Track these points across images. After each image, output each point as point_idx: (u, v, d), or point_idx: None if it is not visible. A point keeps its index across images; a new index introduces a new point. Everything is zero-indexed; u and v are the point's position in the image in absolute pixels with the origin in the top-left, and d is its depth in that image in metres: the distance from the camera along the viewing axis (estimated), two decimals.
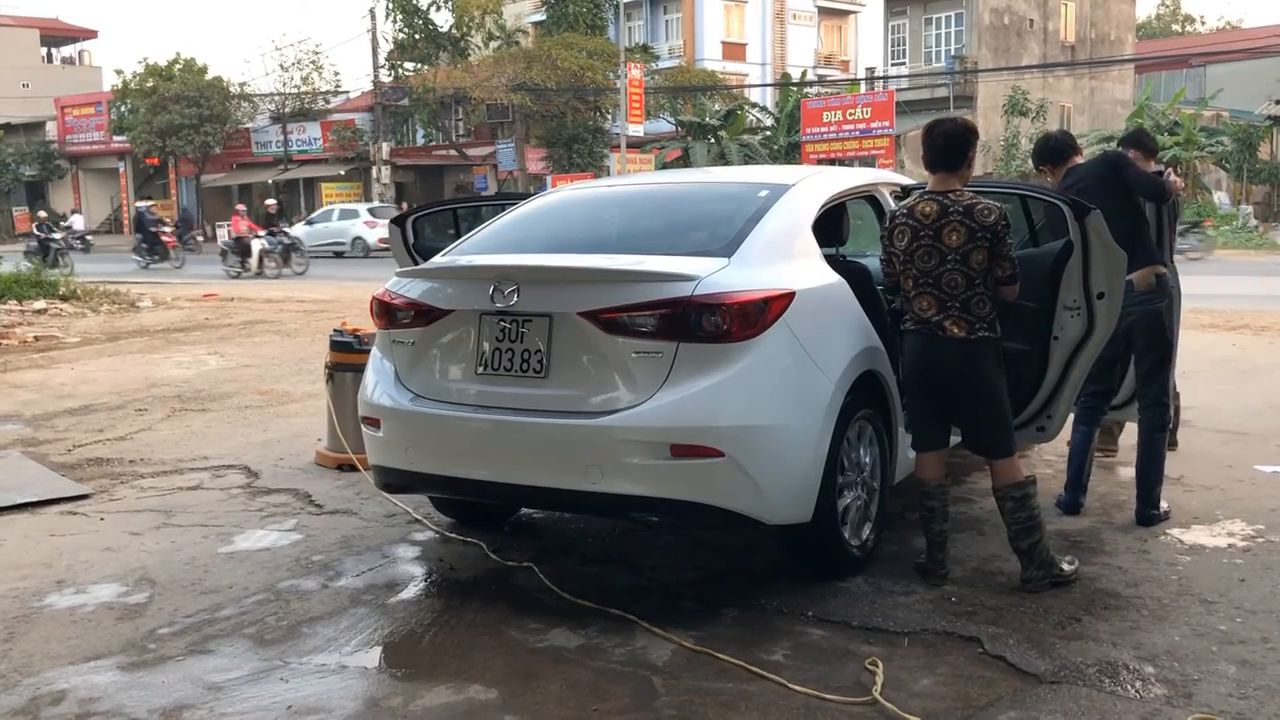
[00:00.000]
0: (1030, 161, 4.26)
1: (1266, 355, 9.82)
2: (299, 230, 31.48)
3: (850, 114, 32.46)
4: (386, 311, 4.43)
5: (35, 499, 5.66)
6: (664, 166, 34.12)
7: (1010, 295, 4.21)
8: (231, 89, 45.98)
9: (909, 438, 4.83)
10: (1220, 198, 32.46)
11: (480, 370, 4.12)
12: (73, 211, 41.27)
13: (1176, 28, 70.43)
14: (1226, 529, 4.84)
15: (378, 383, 4.43)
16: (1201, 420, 6.92)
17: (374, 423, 4.39)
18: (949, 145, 4.16)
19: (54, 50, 62.62)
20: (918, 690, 3.35)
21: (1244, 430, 6.76)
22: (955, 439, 4.42)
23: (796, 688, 3.35)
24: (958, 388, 4.17)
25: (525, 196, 5.58)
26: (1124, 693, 3.30)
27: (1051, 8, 39.31)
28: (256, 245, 24.85)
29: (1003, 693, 3.33)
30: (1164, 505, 4.97)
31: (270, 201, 29.84)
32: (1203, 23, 73.03)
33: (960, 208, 4.07)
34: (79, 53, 64.02)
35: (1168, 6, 73.69)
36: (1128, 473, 5.84)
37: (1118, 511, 5.14)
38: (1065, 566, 4.21)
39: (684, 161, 35.02)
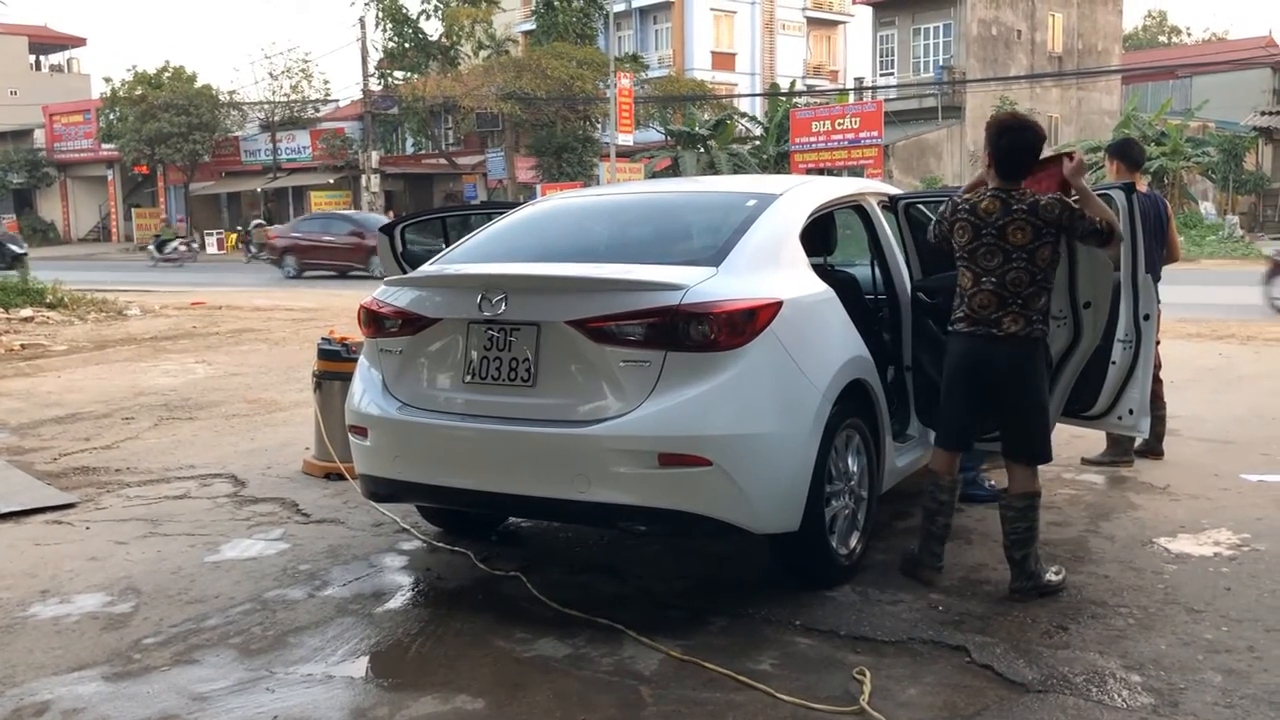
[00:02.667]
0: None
1: (1252, 364, 9.87)
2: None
3: (839, 124, 32.58)
4: (374, 320, 4.42)
5: (20, 508, 5.62)
6: (653, 176, 34.17)
7: (1115, 251, 4.31)
8: (221, 97, 45.96)
9: (897, 447, 4.86)
10: (1206, 208, 32.63)
11: (468, 379, 4.12)
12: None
13: (1163, 39, 70.89)
14: (1212, 538, 4.86)
15: (365, 391, 4.42)
16: (1187, 429, 6.95)
17: (361, 432, 4.38)
18: (1020, 155, 4.15)
19: (42, 58, 62.44)
20: (905, 699, 3.35)
21: (1230, 439, 6.78)
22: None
23: (784, 697, 3.35)
24: (1007, 387, 4.16)
25: (514, 205, 5.58)
26: (1111, 701, 3.30)
27: (1039, 19, 39.52)
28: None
29: (990, 701, 3.33)
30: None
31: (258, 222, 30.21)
32: (1189, 34, 73.59)
33: (1025, 205, 4.07)
34: (67, 60, 63.84)
35: (1154, 18, 74.26)
36: (1117, 483, 5.86)
37: (1104, 521, 5.16)
38: (1052, 577, 4.21)
39: (673, 171, 35.10)
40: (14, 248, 28.05)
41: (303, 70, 45.71)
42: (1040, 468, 4.25)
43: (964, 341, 4.21)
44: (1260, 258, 25.10)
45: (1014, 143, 4.15)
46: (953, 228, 4.24)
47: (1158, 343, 5.00)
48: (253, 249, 35.67)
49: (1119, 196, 4.53)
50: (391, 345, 4.35)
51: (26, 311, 15.58)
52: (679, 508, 3.82)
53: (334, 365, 6.17)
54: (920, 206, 5.22)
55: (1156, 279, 5.22)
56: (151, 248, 34.33)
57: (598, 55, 38.14)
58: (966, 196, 4.26)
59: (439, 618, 4.10)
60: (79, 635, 3.99)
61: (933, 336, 4.86)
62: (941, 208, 4.38)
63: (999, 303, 4.11)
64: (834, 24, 53.39)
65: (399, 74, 42.19)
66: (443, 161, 44.24)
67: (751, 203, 4.54)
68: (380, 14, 40.00)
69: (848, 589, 4.25)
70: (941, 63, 37.94)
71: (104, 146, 48.54)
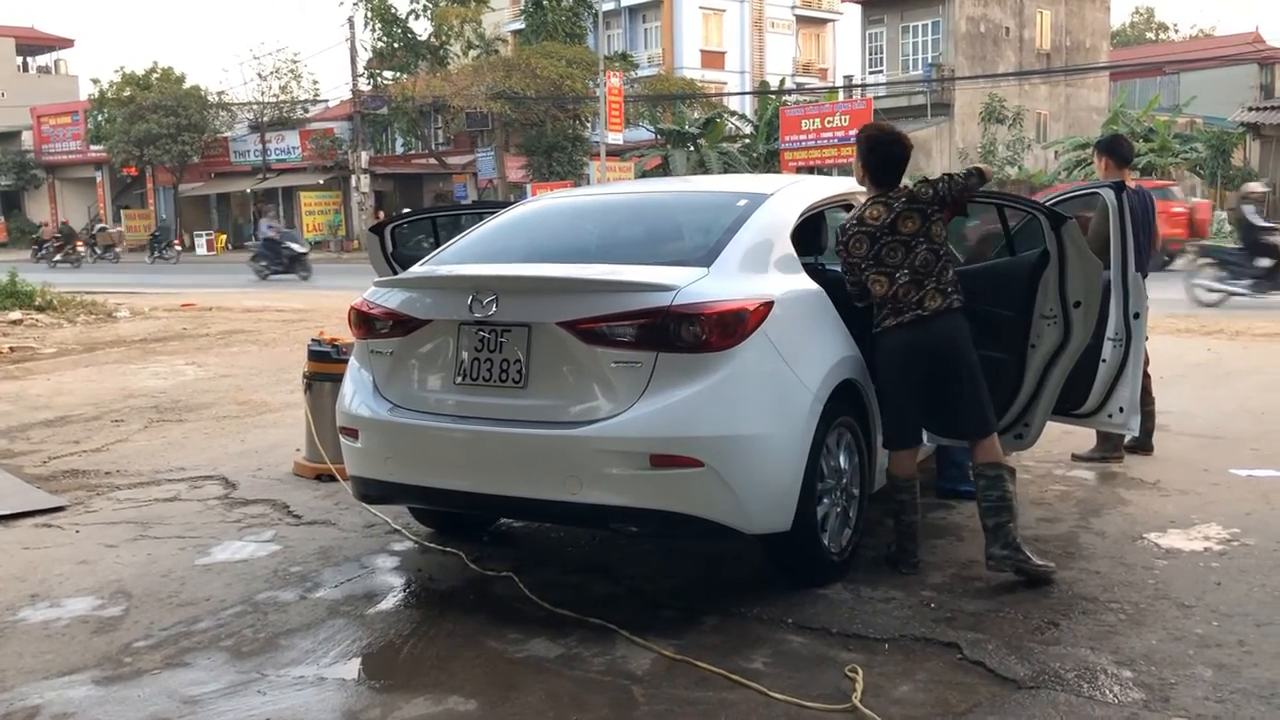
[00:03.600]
0: (1006, 169, 4.33)
1: (1241, 360, 9.90)
2: None
3: (829, 122, 32.60)
4: (364, 321, 4.42)
5: (9, 511, 5.60)
6: (644, 174, 34.19)
7: (970, 196, 4.43)
8: (209, 98, 45.82)
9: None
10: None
11: (459, 380, 4.11)
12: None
13: (1150, 35, 71.08)
14: (1202, 533, 4.87)
15: (356, 393, 4.41)
16: (1177, 424, 6.97)
17: (352, 433, 4.37)
18: (894, 166, 4.43)
19: (30, 59, 62.20)
20: (897, 697, 3.36)
21: (1219, 434, 6.81)
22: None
23: (776, 695, 3.35)
24: (942, 366, 4.29)
25: (504, 205, 5.58)
26: (1102, 697, 3.31)
27: (1027, 16, 39.61)
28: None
29: (982, 698, 3.34)
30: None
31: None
32: (1176, 31, 73.78)
33: (903, 198, 4.33)
34: (55, 62, 63.61)
35: (1142, 14, 74.41)
36: (1107, 478, 5.88)
37: (1095, 517, 5.17)
38: (1037, 561, 4.25)
39: (663, 169, 35.11)
40: (294, 246, 26.05)
41: (292, 70, 45.62)
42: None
43: (894, 335, 4.35)
44: None
45: (886, 155, 4.44)
46: (849, 245, 4.40)
47: (1146, 338, 5.01)
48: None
49: (1108, 195, 4.55)
50: (382, 346, 4.34)
51: (15, 314, 15.51)
52: (671, 509, 3.82)
53: (324, 366, 6.16)
54: None
55: (1144, 275, 5.23)
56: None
57: (587, 54, 38.12)
58: (848, 216, 4.50)
59: (431, 619, 4.10)
60: (69, 639, 3.97)
61: None
62: (835, 243, 4.54)
63: (917, 287, 4.28)
64: (823, 22, 53.44)
65: (388, 74, 42.15)
66: (433, 161, 44.19)
67: (742, 203, 4.54)
68: (369, 14, 39.93)
69: (839, 587, 4.26)
70: (930, 60, 38.01)
71: (92, 148, 48.38)
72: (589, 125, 39.28)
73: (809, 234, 4.73)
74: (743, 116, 40.01)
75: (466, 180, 42.99)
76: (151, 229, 41.55)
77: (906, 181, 4.46)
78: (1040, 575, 4.22)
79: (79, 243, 35.41)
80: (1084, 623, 3.88)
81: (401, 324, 4.27)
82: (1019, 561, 4.20)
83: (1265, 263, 14.40)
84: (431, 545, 4.91)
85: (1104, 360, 4.72)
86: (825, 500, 4.25)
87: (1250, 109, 33.84)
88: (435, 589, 4.44)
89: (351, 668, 3.72)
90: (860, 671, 3.47)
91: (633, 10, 47.71)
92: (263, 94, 45.62)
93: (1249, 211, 15.00)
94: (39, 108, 52.03)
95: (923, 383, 4.34)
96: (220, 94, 46.48)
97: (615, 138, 34.18)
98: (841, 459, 4.36)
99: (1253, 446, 6.47)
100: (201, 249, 43.59)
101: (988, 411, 4.36)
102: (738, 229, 4.29)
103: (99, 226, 38.91)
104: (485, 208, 5.78)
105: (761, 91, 41.25)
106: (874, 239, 4.32)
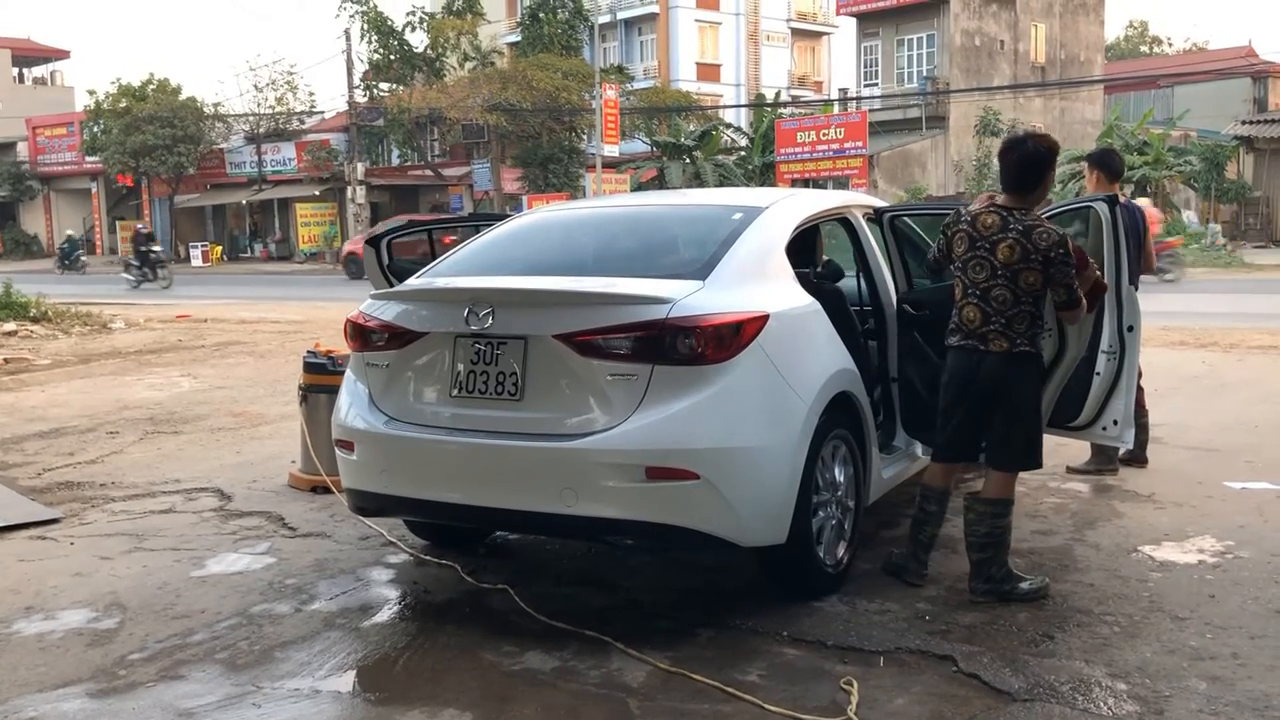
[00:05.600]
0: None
1: (1236, 372, 9.92)
2: None
3: (824, 134, 32.67)
4: (360, 334, 4.42)
5: (4, 524, 5.59)
6: (639, 187, 34.21)
7: (1071, 320, 4.31)
8: (205, 109, 45.82)
9: (883, 458, 4.88)
10: (1189, 216, 32.82)
11: (455, 393, 4.12)
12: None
13: (1145, 49, 71.37)
14: (1197, 545, 4.89)
15: (351, 405, 4.41)
16: (1172, 437, 6.99)
17: (348, 445, 4.37)
18: (1023, 169, 4.21)
19: (26, 70, 62.23)
20: (892, 709, 3.36)
21: (1214, 446, 6.83)
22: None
23: (772, 708, 3.36)
24: (995, 401, 4.22)
25: (501, 217, 5.59)
26: (1097, 710, 3.32)
27: (1022, 29, 39.75)
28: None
29: (976, 711, 3.34)
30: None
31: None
32: (1170, 44, 74.08)
33: (1020, 226, 4.12)
34: (51, 73, 63.62)
35: (1136, 28, 74.74)
36: (1102, 491, 5.89)
37: (1089, 529, 5.18)
38: (1023, 586, 4.23)
39: (659, 182, 35.13)
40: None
41: (288, 82, 45.66)
42: (1025, 476, 4.28)
43: (954, 356, 4.29)
44: (1242, 265, 25.31)
45: (1020, 157, 4.20)
46: (953, 237, 4.29)
47: (1140, 351, 5.02)
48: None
49: (1102, 209, 4.56)
50: (378, 359, 4.35)
51: (10, 325, 15.48)
52: (666, 521, 3.82)
53: (320, 378, 6.16)
54: (905, 219, 5.24)
55: (1136, 288, 5.25)
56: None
57: (583, 67, 38.22)
58: (971, 209, 4.30)
59: (426, 631, 4.10)
60: (63, 652, 3.97)
61: (918, 348, 4.88)
62: (947, 219, 4.42)
63: (984, 318, 4.17)
64: (818, 35, 53.62)
65: (384, 86, 42.19)
66: (428, 173, 44.22)
67: (738, 216, 4.55)
68: (365, 26, 39.99)
69: (835, 599, 4.26)
70: (925, 73, 38.12)
71: (88, 159, 48.34)
72: (585, 137, 39.35)
73: (804, 247, 4.75)
74: (738, 129, 40.09)
75: (462, 192, 43.02)
76: (63, 240, 38.97)
77: (1034, 211, 4.21)
78: (1030, 599, 4.20)
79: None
80: (1079, 635, 3.89)
81: (397, 336, 4.28)
82: (1002, 594, 4.20)
83: None
84: (427, 558, 4.91)
85: (1098, 373, 4.74)
86: (820, 513, 4.25)
87: (1244, 122, 34.00)
88: (430, 601, 4.44)
89: (346, 680, 3.71)
90: (855, 684, 3.47)
91: (628, 23, 47.85)
92: (259, 105, 45.70)
93: None
94: (34, 119, 52.01)
95: (978, 406, 4.26)
96: (216, 105, 46.51)
97: (611, 150, 34.24)
98: (837, 471, 4.37)
99: (1247, 459, 6.49)
100: (197, 260, 43.54)
101: (1024, 452, 4.26)
102: (733, 242, 4.30)
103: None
104: (481, 220, 5.79)
105: (757, 104, 41.35)
106: (973, 244, 4.19)
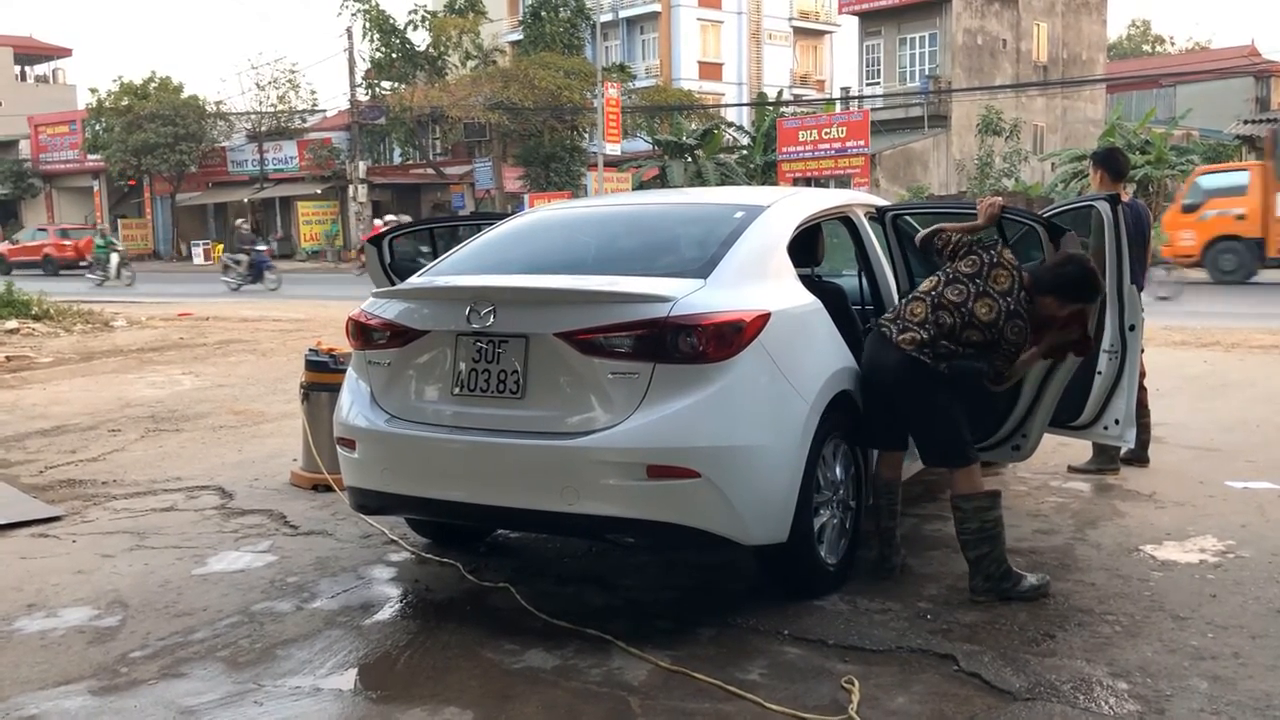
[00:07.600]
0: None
1: (1237, 371, 9.92)
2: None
3: (826, 133, 32.70)
4: (362, 332, 4.42)
5: (6, 521, 5.59)
6: (641, 185, 34.24)
7: (993, 386, 4.40)
8: (207, 107, 45.85)
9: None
10: None
11: (456, 391, 4.12)
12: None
13: (1147, 48, 71.32)
14: (1198, 545, 4.88)
15: (353, 403, 4.41)
16: (1173, 436, 6.98)
17: (349, 444, 4.37)
18: (1060, 282, 4.26)
19: (28, 68, 62.26)
20: (893, 708, 3.36)
21: (1215, 446, 6.82)
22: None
23: (773, 707, 3.36)
24: (894, 396, 4.30)
25: (502, 216, 5.59)
26: (1098, 709, 3.32)
27: (1024, 28, 39.74)
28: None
29: (977, 710, 3.34)
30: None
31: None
32: (1172, 43, 74.05)
33: (1012, 307, 4.20)
34: (53, 71, 63.65)
35: (1138, 27, 74.72)
36: (1103, 490, 5.89)
37: (1091, 529, 5.18)
38: (1023, 585, 4.22)
39: (661, 180, 35.15)
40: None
41: (290, 80, 45.73)
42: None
43: (872, 339, 4.38)
44: None
45: (1074, 270, 4.26)
46: (968, 254, 4.34)
47: (1141, 350, 5.02)
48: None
49: (1104, 209, 4.56)
50: (379, 357, 4.35)
51: (12, 324, 15.50)
52: (667, 519, 3.82)
53: (322, 376, 6.16)
54: (907, 218, 5.24)
55: (1140, 289, 5.25)
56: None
57: (585, 65, 38.23)
58: (1008, 256, 4.31)
59: (427, 629, 4.10)
60: (65, 649, 3.97)
61: None
62: (986, 241, 4.44)
63: (920, 322, 4.22)
64: (820, 34, 53.60)
65: (386, 84, 42.23)
66: (430, 171, 44.25)
67: (739, 214, 4.55)
68: (367, 24, 40.02)
69: (836, 598, 4.26)
70: (927, 72, 38.10)
71: (90, 157, 48.37)
72: (586, 136, 39.36)
73: (806, 246, 4.75)
74: (740, 128, 40.11)
75: (464, 190, 43.05)
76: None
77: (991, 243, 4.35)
78: (1030, 598, 4.20)
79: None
80: (1080, 634, 3.89)
81: (399, 335, 4.28)
82: (1002, 593, 4.19)
83: None
84: (428, 556, 4.91)
85: (1099, 372, 4.74)
86: (822, 511, 4.25)
87: (1246, 121, 33.93)
88: (432, 600, 4.44)
89: (348, 678, 3.71)
90: (856, 683, 3.47)
91: (630, 21, 47.86)
92: (261, 104, 45.73)
93: None
94: (36, 117, 52.03)
95: (885, 398, 4.32)
96: (218, 103, 46.56)
97: (613, 149, 34.26)
98: (838, 470, 4.37)
99: (1248, 458, 6.48)
100: (199, 258, 43.57)
101: (951, 448, 4.27)
102: (735, 241, 4.30)
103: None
104: (483, 219, 5.80)
105: (759, 103, 41.34)
106: (973, 278, 4.25)
